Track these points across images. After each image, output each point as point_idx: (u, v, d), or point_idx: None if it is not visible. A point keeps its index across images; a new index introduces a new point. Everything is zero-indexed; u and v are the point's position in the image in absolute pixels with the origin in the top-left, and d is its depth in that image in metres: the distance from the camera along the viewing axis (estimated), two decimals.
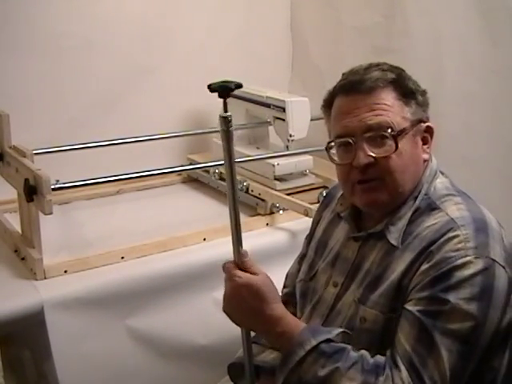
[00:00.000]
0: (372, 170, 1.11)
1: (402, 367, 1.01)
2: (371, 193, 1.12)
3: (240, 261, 1.10)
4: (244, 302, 1.07)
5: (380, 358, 1.04)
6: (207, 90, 1.05)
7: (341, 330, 1.07)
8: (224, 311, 1.12)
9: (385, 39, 2.07)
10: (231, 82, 1.05)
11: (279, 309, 1.09)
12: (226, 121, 1.05)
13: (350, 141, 1.12)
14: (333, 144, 1.16)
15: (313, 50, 2.42)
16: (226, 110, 1.06)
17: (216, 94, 1.06)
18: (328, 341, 1.04)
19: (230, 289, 1.09)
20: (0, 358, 1.68)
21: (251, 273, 1.09)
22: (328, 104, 1.19)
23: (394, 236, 1.12)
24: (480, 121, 1.84)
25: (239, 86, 1.06)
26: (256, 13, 2.41)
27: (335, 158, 1.17)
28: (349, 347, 1.05)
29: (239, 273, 1.08)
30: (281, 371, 1.06)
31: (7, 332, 1.49)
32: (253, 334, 1.33)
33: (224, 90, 1.05)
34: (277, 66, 2.50)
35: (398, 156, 1.10)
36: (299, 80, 2.50)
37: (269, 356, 1.25)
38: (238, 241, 1.10)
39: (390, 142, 1.10)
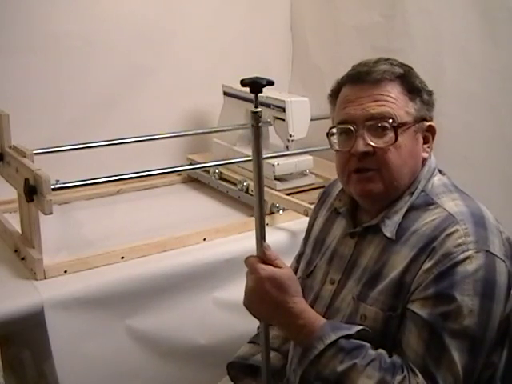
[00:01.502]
0: (369, 160, 1.12)
1: (417, 371, 1.01)
2: (366, 183, 1.13)
3: (263, 254, 1.10)
4: (267, 294, 1.07)
5: (397, 358, 1.04)
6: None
7: (360, 327, 1.07)
8: (244, 305, 1.12)
9: (385, 39, 2.07)
10: (263, 78, 1.06)
11: (301, 302, 1.09)
12: (256, 116, 1.06)
13: (351, 128, 1.13)
14: (334, 130, 1.17)
15: (313, 50, 2.43)
16: (256, 106, 1.06)
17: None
18: (347, 337, 1.04)
19: (253, 281, 1.09)
20: (0, 357, 1.68)
21: (275, 266, 1.09)
22: (335, 93, 1.20)
23: (389, 229, 1.12)
24: (480, 121, 1.84)
25: (271, 82, 1.07)
26: (256, 13, 2.41)
27: (335, 146, 1.17)
28: (368, 345, 1.05)
29: (263, 266, 1.08)
30: (299, 364, 1.06)
31: (7, 332, 1.49)
32: (253, 333, 1.33)
33: (256, 85, 1.06)
34: (277, 66, 2.50)
35: (397, 149, 1.11)
36: (299, 80, 2.50)
37: None
38: (261, 234, 1.10)
39: (391, 134, 1.10)
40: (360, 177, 1.13)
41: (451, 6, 1.87)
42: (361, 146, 1.11)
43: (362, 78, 1.14)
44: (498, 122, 1.80)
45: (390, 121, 1.10)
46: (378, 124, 1.11)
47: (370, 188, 1.13)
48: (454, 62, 1.88)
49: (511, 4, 1.72)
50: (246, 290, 1.11)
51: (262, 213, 1.10)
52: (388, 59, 1.17)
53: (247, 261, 1.11)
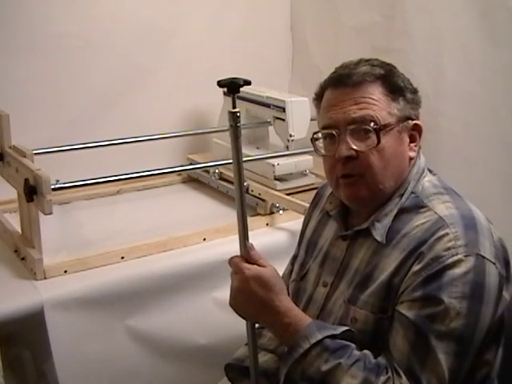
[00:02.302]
0: (352, 165, 1.11)
1: (402, 372, 1.01)
2: (352, 188, 1.13)
3: (247, 254, 1.11)
4: (253, 293, 1.08)
5: (382, 359, 1.04)
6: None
7: (346, 328, 1.08)
8: (230, 305, 1.13)
9: (385, 39, 2.07)
10: (240, 78, 1.08)
11: (287, 300, 1.10)
12: (234, 116, 1.07)
13: (334, 133, 1.13)
14: (319, 135, 1.17)
15: (313, 50, 2.43)
16: (234, 106, 1.08)
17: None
18: (333, 337, 1.05)
19: (238, 281, 1.10)
20: (0, 357, 1.68)
21: (259, 265, 1.10)
22: (319, 97, 1.20)
23: (379, 232, 1.12)
24: (480, 121, 1.84)
25: (248, 82, 1.08)
26: (256, 13, 2.41)
27: (321, 150, 1.18)
28: (353, 345, 1.05)
29: (247, 265, 1.10)
30: (285, 363, 1.07)
31: (7, 332, 1.49)
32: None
33: (233, 85, 1.07)
34: (277, 66, 2.50)
35: (380, 152, 1.10)
36: (299, 80, 2.50)
37: (261, 359, 1.24)
38: (244, 234, 1.12)
39: (373, 137, 1.10)
40: (346, 182, 1.13)
41: (451, 5, 1.87)
42: (343, 151, 1.11)
43: (343, 80, 1.13)
44: (498, 122, 1.80)
45: (372, 124, 1.10)
46: (360, 127, 1.11)
47: (356, 193, 1.13)
48: (454, 62, 1.88)
49: (511, 4, 1.72)
50: (231, 290, 1.12)
51: (243, 212, 1.11)
52: (369, 60, 1.17)
53: (231, 261, 1.12)
